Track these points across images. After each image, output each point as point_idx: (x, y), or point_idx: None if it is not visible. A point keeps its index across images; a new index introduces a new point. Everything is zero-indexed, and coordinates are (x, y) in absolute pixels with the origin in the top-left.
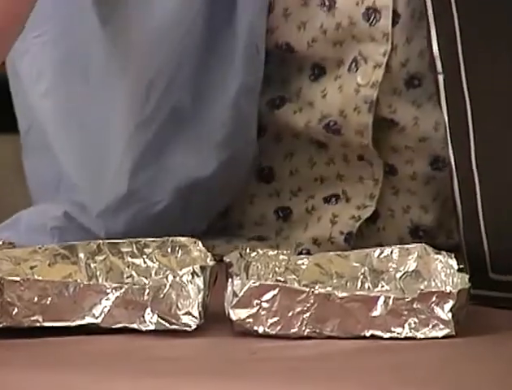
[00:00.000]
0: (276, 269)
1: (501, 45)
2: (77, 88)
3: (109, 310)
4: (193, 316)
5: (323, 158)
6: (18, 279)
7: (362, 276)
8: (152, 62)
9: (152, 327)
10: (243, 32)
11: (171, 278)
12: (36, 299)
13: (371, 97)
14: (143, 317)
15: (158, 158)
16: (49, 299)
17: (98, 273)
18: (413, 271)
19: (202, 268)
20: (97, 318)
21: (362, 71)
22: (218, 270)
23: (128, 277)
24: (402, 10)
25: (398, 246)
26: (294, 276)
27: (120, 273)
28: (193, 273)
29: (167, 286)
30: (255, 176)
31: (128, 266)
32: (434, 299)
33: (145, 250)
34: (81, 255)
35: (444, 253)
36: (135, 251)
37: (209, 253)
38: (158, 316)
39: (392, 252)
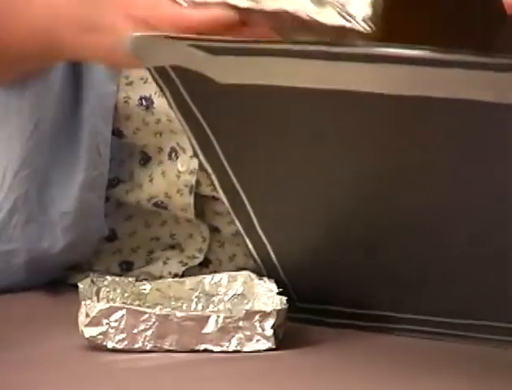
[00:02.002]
0: (123, 293)
1: (251, 142)
2: None
3: None
4: None
5: (158, 220)
6: None
7: (196, 299)
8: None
9: None
10: (86, 135)
11: None
12: None
13: (191, 182)
14: None
15: (12, 236)
16: None
17: None
18: (239, 294)
19: None
20: None
21: (181, 159)
22: None
23: None
24: None
25: (227, 273)
26: (138, 299)
27: None
28: None
29: None
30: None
31: None
32: (257, 318)
33: None
34: None
35: (266, 278)
36: None
37: None
38: None
39: (221, 278)
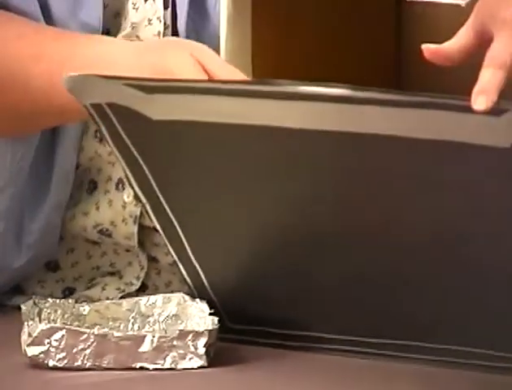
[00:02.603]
0: (63, 314)
1: (184, 175)
2: None
3: None
4: None
5: (98, 252)
6: None
7: (132, 319)
8: None
9: None
10: (59, 162)
11: None
12: None
13: (135, 213)
14: None
15: None
16: None
17: None
18: (173, 315)
19: None
20: None
21: (127, 191)
22: None
23: None
24: None
25: (162, 295)
26: (78, 320)
27: None
28: None
29: None
30: (44, 267)
31: None
32: (190, 337)
33: None
34: None
35: (198, 300)
36: None
37: None
38: None
39: (156, 300)
